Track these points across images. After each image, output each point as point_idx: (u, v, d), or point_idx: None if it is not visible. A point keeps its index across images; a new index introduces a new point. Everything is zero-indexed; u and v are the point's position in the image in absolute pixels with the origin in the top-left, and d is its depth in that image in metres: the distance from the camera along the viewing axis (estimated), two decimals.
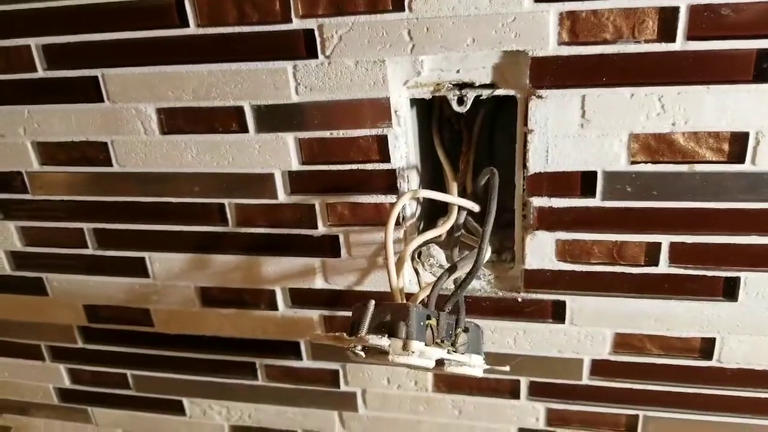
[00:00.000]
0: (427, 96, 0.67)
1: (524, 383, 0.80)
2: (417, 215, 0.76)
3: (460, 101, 0.66)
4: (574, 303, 0.72)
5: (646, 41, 0.57)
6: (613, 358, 0.75)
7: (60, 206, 0.82)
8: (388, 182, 0.69)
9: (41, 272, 0.89)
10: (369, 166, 0.69)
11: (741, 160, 0.60)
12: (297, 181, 0.72)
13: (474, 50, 0.61)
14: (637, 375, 0.75)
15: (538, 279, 0.71)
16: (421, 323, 0.55)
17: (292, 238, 0.76)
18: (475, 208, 0.71)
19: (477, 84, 0.64)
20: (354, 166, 0.69)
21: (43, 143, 0.78)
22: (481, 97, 0.65)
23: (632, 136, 0.61)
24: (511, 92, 0.63)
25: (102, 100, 0.72)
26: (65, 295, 0.90)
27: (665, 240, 0.66)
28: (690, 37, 0.56)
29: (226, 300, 0.84)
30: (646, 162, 0.62)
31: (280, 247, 0.77)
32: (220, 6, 0.64)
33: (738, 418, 0.75)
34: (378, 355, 0.54)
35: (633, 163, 0.62)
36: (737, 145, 0.59)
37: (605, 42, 0.58)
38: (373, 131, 0.67)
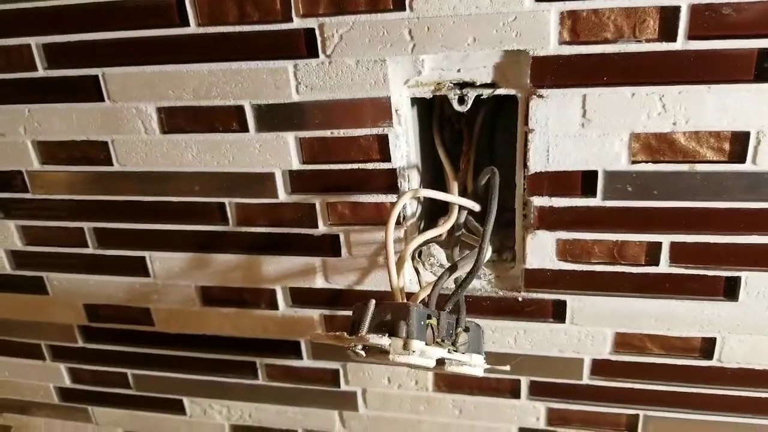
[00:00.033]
0: (428, 95, 0.67)
1: (525, 383, 0.80)
2: (417, 215, 0.76)
3: (461, 100, 0.66)
4: (574, 302, 0.72)
5: (647, 41, 0.57)
6: (613, 357, 0.75)
7: (60, 205, 0.82)
8: (389, 181, 0.69)
9: (41, 271, 0.89)
10: (369, 166, 0.69)
11: (742, 159, 0.60)
12: (297, 181, 0.72)
13: (475, 49, 0.61)
14: (638, 375, 0.75)
15: (539, 278, 0.71)
16: (422, 323, 0.55)
17: (293, 237, 0.76)
18: (476, 207, 0.71)
19: (478, 83, 0.64)
20: (354, 166, 0.69)
21: (44, 142, 0.78)
22: (482, 97, 0.65)
23: (633, 135, 0.61)
24: (511, 92, 0.63)
25: (102, 100, 0.72)
26: (65, 295, 0.90)
27: (666, 240, 0.65)
28: (691, 36, 0.56)
29: (226, 299, 0.84)
30: (646, 161, 0.62)
31: (281, 247, 0.77)
32: (221, 5, 0.64)
33: (738, 418, 0.75)
34: (378, 354, 0.54)
35: (634, 162, 0.62)
36: (738, 144, 0.59)
37: (606, 41, 0.58)
38: (374, 130, 0.67)
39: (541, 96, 0.61)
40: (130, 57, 0.69)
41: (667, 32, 0.56)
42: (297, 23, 0.63)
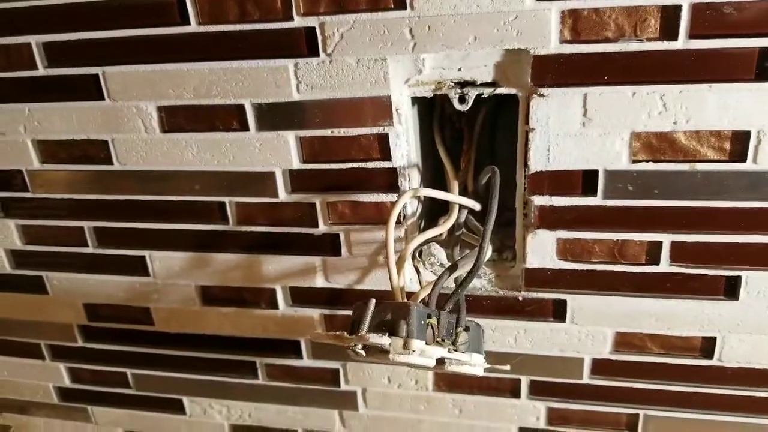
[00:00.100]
0: (429, 94, 0.66)
1: (525, 382, 0.80)
2: (418, 214, 0.76)
3: (462, 99, 0.65)
4: (575, 302, 0.72)
5: (648, 39, 0.57)
6: (613, 357, 0.75)
7: (60, 204, 0.82)
8: (389, 181, 0.69)
9: (41, 271, 0.89)
10: (370, 165, 0.69)
11: (742, 159, 0.60)
12: (298, 180, 0.72)
13: (475, 48, 0.61)
14: (638, 374, 0.75)
15: (539, 278, 0.71)
16: (422, 322, 0.55)
17: (293, 236, 0.76)
18: (476, 206, 0.71)
19: (478, 82, 0.64)
20: (355, 165, 0.69)
21: (44, 141, 0.78)
22: (483, 96, 0.65)
23: (634, 134, 0.61)
24: (512, 91, 0.63)
25: (103, 98, 0.72)
26: (65, 294, 0.90)
27: (666, 239, 0.65)
28: (692, 35, 0.56)
29: (226, 299, 0.84)
30: (647, 161, 0.62)
31: (281, 246, 0.77)
32: (221, 4, 0.64)
33: (738, 417, 0.75)
34: (378, 354, 0.54)
35: (634, 161, 0.62)
36: (739, 143, 0.59)
37: (607, 40, 0.58)
38: (375, 130, 0.67)
39: (541, 95, 0.61)
40: (130, 56, 0.69)
41: (669, 31, 0.56)
42: (298, 22, 0.63)
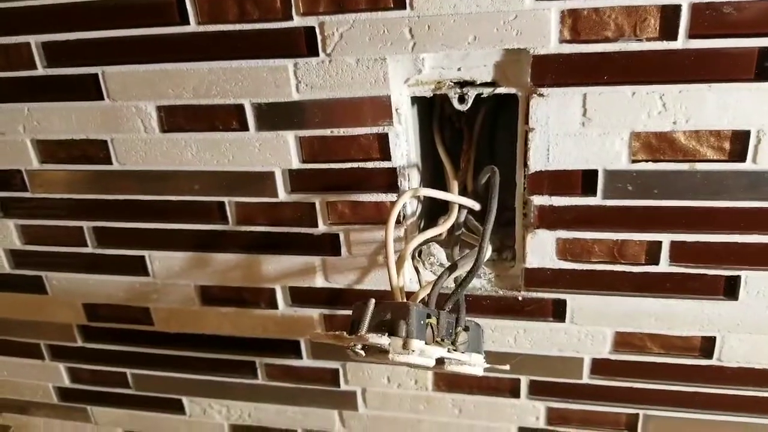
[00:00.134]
0: (428, 94, 0.66)
1: (524, 382, 0.80)
2: (417, 214, 0.76)
3: (461, 99, 0.65)
4: (574, 302, 0.72)
5: (648, 39, 0.57)
6: (613, 357, 0.75)
7: (60, 204, 0.82)
8: (389, 181, 0.69)
9: (41, 271, 0.89)
10: (370, 165, 0.69)
11: (742, 158, 0.60)
12: (297, 180, 0.72)
13: (475, 48, 0.60)
14: (638, 374, 0.75)
15: (539, 278, 0.71)
16: (422, 322, 0.55)
17: (293, 236, 0.76)
18: (476, 206, 0.70)
19: (478, 82, 0.64)
20: (354, 165, 0.69)
21: (43, 141, 0.78)
22: (482, 96, 0.65)
23: (633, 134, 0.61)
24: (512, 90, 0.63)
25: (102, 98, 0.72)
26: (65, 294, 0.90)
27: (666, 239, 0.65)
28: (692, 35, 0.56)
29: (226, 299, 0.84)
30: (647, 160, 0.62)
31: (281, 246, 0.77)
32: (221, 3, 0.64)
33: (738, 417, 0.75)
34: (378, 353, 0.54)
35: (634, 161, 0.62)
36: (738, 143, 0.59)
37: (607, 40, 0.57)
38: (374, 129, 0.67)
39: (541, 95, 0.61)
40: (129, 55, 0.69)
41: (668, 31, 0.56)
42: (297, 21, 0.63)
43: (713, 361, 0.72)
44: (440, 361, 0.56)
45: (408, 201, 0.71)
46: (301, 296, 0.81)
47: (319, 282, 0.78)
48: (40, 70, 0.72)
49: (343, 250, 0.75)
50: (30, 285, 0.91)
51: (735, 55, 0.56)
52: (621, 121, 0.60)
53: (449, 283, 0.65)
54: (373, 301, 0.56)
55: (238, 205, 0.75)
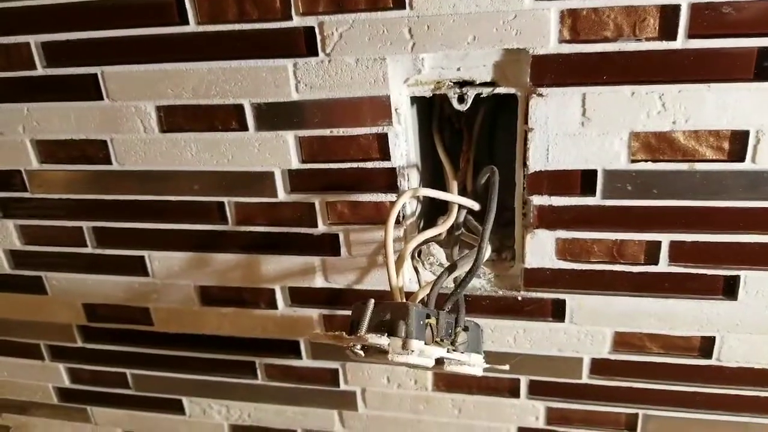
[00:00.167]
0: (428, 94, 0.66)
1: (524, 382, 0.80)
2: (417, 214, 0.76)
3: (461, 99, 0.66)
4: (573, 302, 0.72)
5: (647, 39, 0.57)
6: (612, 356, 0.75)
7: (59, 205, 0.82)
8: (389, 181, 0.69)
9: (40, 271, 0.89)
10: (369, 165, 0.69)
11: (741, 158, 0.60)
12: (297, 180, 0.72)
13: (475, 48, 0.60)
14: (637, 374, 0.75)
15: (538, 277, 0.71)
16: (421, 322, 0.55)
17: (292, 236, 0.76)
18: (475, 206, 0.71)
19: (477, 82, 0.64)
20: (354, 165, 0.69)
21: (43, 141, 0.78)
22: (482, 96, 0.65)
23: (633, 134, 0.61)
24: (511, 90, 0.63)
25: (101, 98, 0.72)
26: (64, 294, 0.90)
27: (665, 239, 0.65)
28: (691, 35, 0.56)
29: (225, 299, 0.84)
30: (646, 160, 0.62)
31: (280, 246, 0.77)
32: (220, 3, 0.64)
33: (737, 417, 0.75)
34: (377, 354, 0.54)
35: (633, 161, 0.62)
36: (737, 143, 0.59)
37: (606, 40, 0.58)
38: (374, 129, 0.67)
39: (540, 95, 0.61)
40: (129, 55, 0.69)
41: (667, 31, 0.56)
42: (297, 21, 0.63)
43: (712, 361, 0.72)
44: (440, 362, 0.56)
45: (407, 201, 0.71)
46: (300, 296, 0.81)
47: (319, 282, 0.78)
48: (40, 70, 0.72)
49: (343, 250, 0.75)
50: (30, 285, 0.91)
51: (734, 54, 0.56)
52: (620, 121, 0.61)
53: (449, 283, 0.65)
54: (372, 301, 0.56)
55: (238, 205, 0.75)
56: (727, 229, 0.63)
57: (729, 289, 0.67)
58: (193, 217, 0.78)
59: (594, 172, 0.64)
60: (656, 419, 0.78)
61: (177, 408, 0.98)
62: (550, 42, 0.58)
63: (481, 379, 0.82)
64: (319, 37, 0.63)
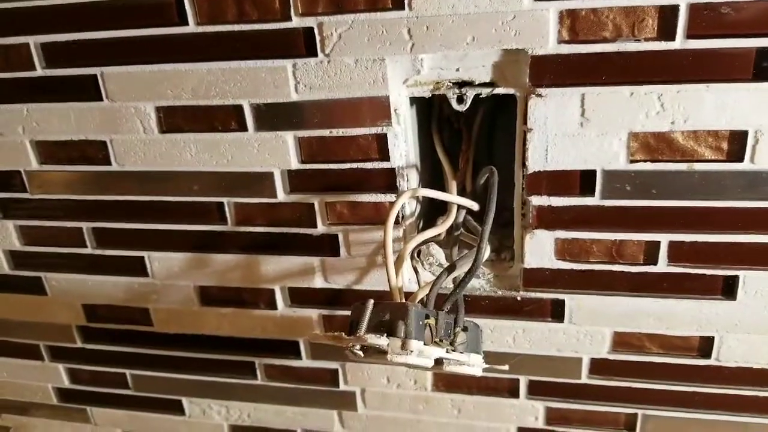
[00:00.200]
0: (427, 94, 0.67)
1: (523, 382, 0.80)
2: (416, 214, 0.76)
3: (460, 100, 0.66)
4: (573, 302, 0.72)
5: (646, 40, 0.57)
6: (612, 356, 0.75)
7: (59, 205, 0.82)
8: (388, 181, 0.69)
9: (40, 272, 0.89)
10: (368, 165, 0.69)
11: (740, 158, 0.60)
12: (296, 180, 0.72)
13: (474, 49, 0.61)
14: (636, 374, 0.75)
15: (537, 278, 0.71)
16: (420, 322, 0.55)
17: (292, 237, 0.76)
18: (475, 206, 0.71)
19: (477, 82, 0.64)
20: (353, 165, 0.69)
21: (42, 142, 0.78)
22: (481, 96, 0.65)
23: (631, 134, 0.61)
24: (510, 91, 0.63)
25: (101, 99, 0.72)
26: (64, 295, 0.90)
27: (664, 239, 0.66)
28: (690, 35, 0.56)
29: (225, 299, 0.84)
30: (645, 161, 0.62)
31: (280, 246, 0.77)
32: (220, 4, 0.64)
33: (736, 417, 0.75)
34: (377, 354, 0.54)
35: (632, 161, 0.62)
36: (736, 143, 0.59)
37: (605, 40, 0.58)
38: (373, 130, 0.67)
39: (539, 95, 0.61)
40: (128, 56, 0.69)
41: (666, 31, 0.56)
42: (296, 22, 0.63)
43: (711, 361, 0.72)
44: (439, 362, 0.56)
45: (407, 201, 0.71)
46: (300, 297, 0.81)
47: (318, 282, 0.78)
48: (39, 71, 0.72)
49: (342, 250, 0.75)
50: (29, 286, 0.91)
51: (733, 55, 0.56)
52: (619, 122, 0.61)
53: (448, 284, 0.65)
54: (371, 301, 0.56)
55: (237, 205, 0.76)
56: (725, 229, 0.63)
57: (728, 289, 0.67)
58: (193, 218, 0.78)
59: (593, 173, 0.64)
60: (655, 419, 0.78)
61: (177, 408, 0.98)
62: (549, 42, 0.59)
63: (480, 379, 0.82)
64: (318, 38, 0.63)
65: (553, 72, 0.60)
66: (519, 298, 0.73)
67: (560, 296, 0.72)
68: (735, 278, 0.66)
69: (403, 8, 0.60)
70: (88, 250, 0.85)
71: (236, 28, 0.65)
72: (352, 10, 0.61)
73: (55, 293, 0.90)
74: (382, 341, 0.53)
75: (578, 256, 0.69)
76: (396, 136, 0.67)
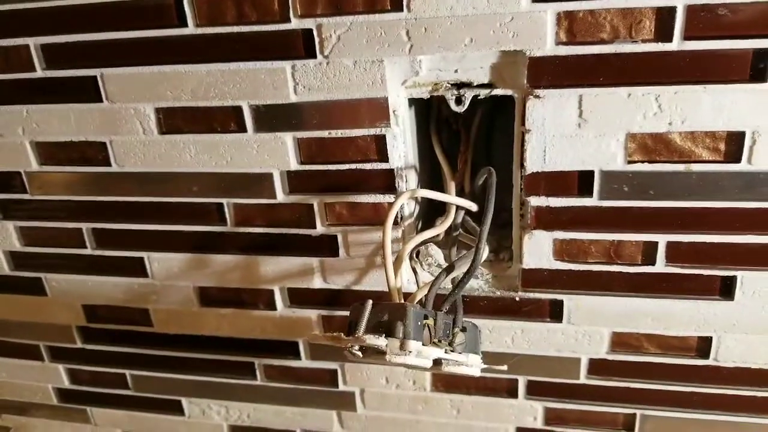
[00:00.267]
0: (426, 96, 0.67)
1: (522, 382, 0.80)
2: (415, 215, 0.77)
3: (458, 101, 0.66)
4: (571, 302, 0.72)
5: (643, 41, 0.57)
6: (610, 357, 0.75)
7: (59, 206, 0.82)
8: (387, 182, 0.69)
9: (40, 272, 0.90)
10: (367, 166, 0.69)
11: (737, 159, 0.60)
12: (295, 181, 0.72)
13: (472, 50, 0.61)
14: (635, 374, 0.75)
15: (536, 278, 0.71)
16: (419, 323, 0.55)
17: (291, 237, 0.76)
18: (473, 207, 0.71)
19: (475, 84, 0.65)
20: (352, 166, 0.69)
21: (42, 143, 0.78)
22: (479, 97, 0.65)
23: (629, 135, 0.61)
24: (508, 92, 0.64)
25: (101, 100, 0.72)
26: (64, 295, 0.90)
27: (662, 239, 0.66)
28: (687, 36, 0.56)
29: (224, 300, 0.84)
30: (642, 161, 0.62)
31: (279, 247, 0.77)
32: (219, 5, 0.64)
33: (734, 417, 0.75)
34: (375, 354, 0.54)
35: (630, 162, 0.62)
36: (733, 144, 0.60)
37: (602, 42, 0.58)
38: (372, 131, 0.67)
39: (537, 96, 0.61)
40: (128, 57, 0.69)
41: (663, 33, 0.56)
42: (295, 24, 0.63)
43: (709, 361, 0.72)
44: (437, 362, 0.56)
45: (405, 202, 0.71)
46: (299, 297, 0.81)
47: (318, 283, 0.79)
48: (39, 72, 0.73)
49: (341, 251, 0.75)
50: (29, 286, 0.91)
51: (730, 56, 0.56)
52: (617, 123, 0.61)
53: (447, 284, 0.65)
54: (370, 302, 0.56)
55: (237, 206, 0.76)
56: (723, 230, 0.64)
57: (726, 289, 0.67)
58: (192, 219, 0.78)
59: (591, 173, 0.64)
60: (654, 419, 0.78)
61: (176, 409, 0.98)
62: (547, 44, 0.59)
63: (479, 380, 0.82)
64: (317, 40, 0.63)
65: (550, 73, 0.60)
66: (517, 299, 0.74)
67: (559, 296, 0.72)
68: (733, 278, 0.66)
69: (401, 10, 0.60)
70: (88, 251, 0.85)
71: (235, 29, 0.65)
72: (350, 12, 0.61)
73: (55, 294, 0.91)
74: (380, 342, 0.53)
75: (576, 256, 0.69)
76: (395, 137, 0.67)
